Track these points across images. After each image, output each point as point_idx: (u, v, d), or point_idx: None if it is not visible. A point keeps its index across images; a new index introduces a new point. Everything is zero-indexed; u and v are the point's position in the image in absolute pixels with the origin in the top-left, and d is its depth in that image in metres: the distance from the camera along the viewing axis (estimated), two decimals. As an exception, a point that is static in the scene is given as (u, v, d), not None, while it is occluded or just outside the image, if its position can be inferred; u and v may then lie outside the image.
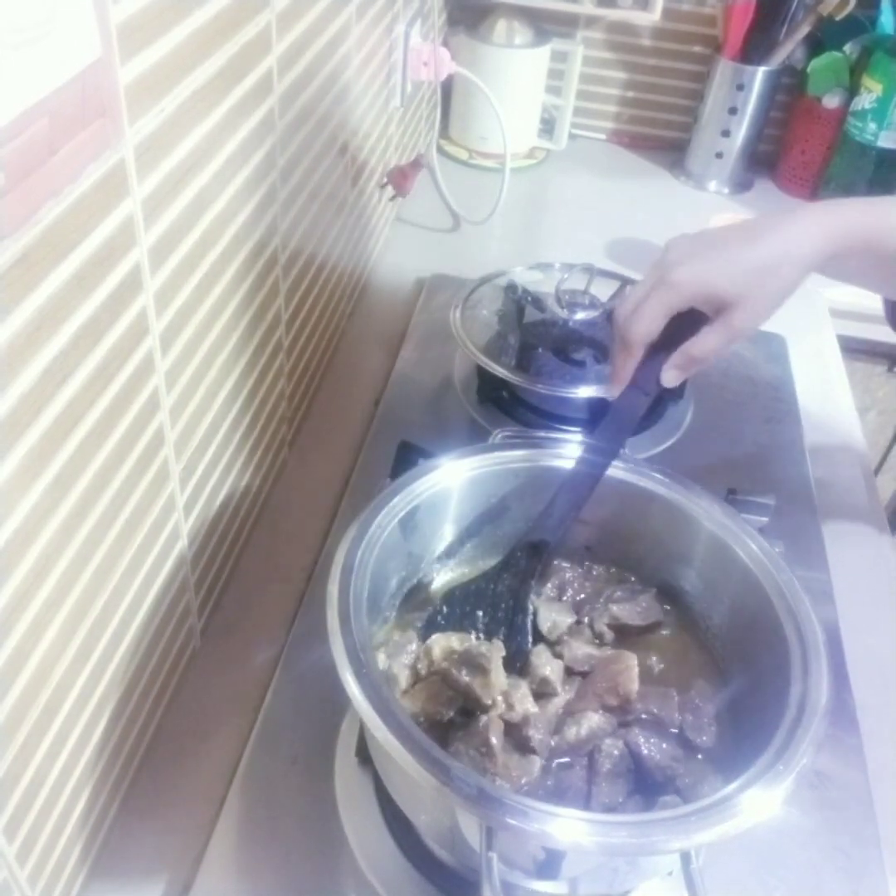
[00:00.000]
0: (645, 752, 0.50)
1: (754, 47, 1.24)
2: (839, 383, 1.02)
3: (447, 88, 1.30)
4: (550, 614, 0.58)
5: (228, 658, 0.68)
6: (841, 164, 1.26)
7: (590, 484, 0.55)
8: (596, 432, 0.57)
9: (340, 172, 0.86)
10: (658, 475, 0.59)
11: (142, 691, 0.58)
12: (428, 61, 1.05)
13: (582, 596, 0.61)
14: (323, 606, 0.48)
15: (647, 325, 0.54)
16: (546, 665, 0.55)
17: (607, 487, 0.58)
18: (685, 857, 0.43)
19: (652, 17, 1.19)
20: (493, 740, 0.49)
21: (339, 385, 0.94)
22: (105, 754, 0.54)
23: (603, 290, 0.97)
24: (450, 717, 0.52)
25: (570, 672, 0.55)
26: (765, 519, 0.69)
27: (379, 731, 0.42)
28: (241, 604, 0.72)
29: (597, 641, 0.58)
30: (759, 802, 0.41)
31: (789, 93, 1.32)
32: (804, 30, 1.21)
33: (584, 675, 0.55)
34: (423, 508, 0.56)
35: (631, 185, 1.36)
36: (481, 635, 0.57)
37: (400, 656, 0.54)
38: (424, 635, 0.57)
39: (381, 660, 0.53)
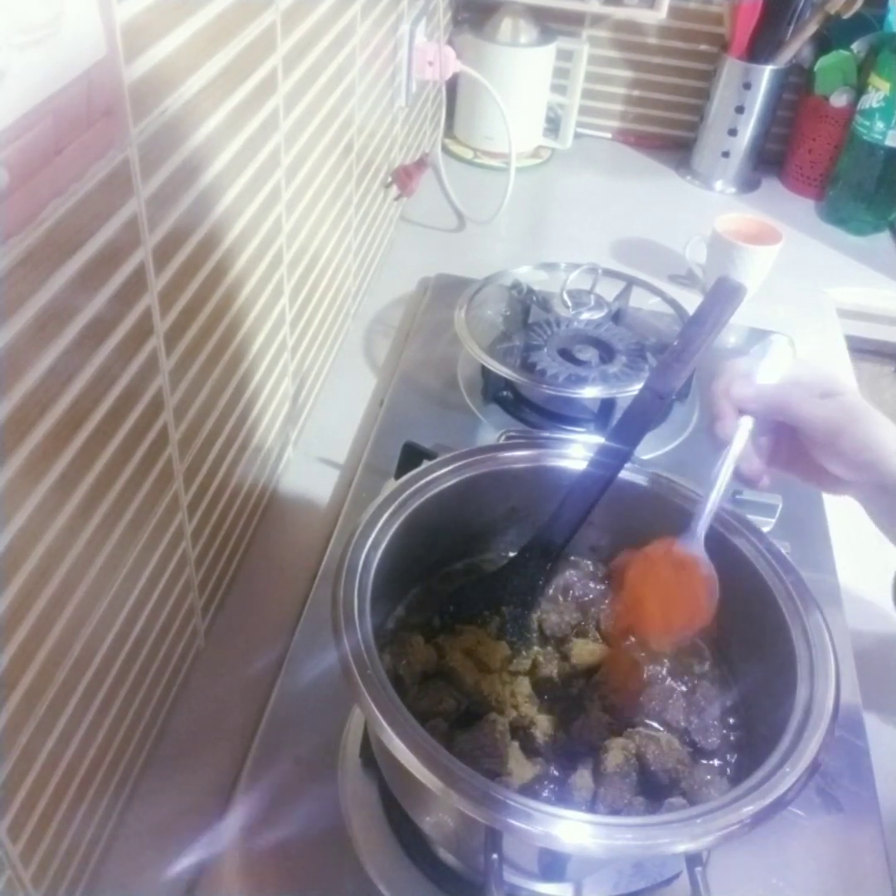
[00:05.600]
0: (650, 754, 0.50)
1: (761, 46, 1.24)
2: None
3: (452, 87, 1.30)
4: (556, 615, 0.58)
5: (233, 659, 0.68)
6: (848, 164, 1.26)
7: (601, 486, 0.55)
8: (608, 434, 0.56)
9: (345, 172, 0.86)
10: (664, 476, 0.59)
11: (146, 692, 0.58)
12: (433, 60, 1.05)
13: (588, 596, 0.61)
14: (327, 607, 0.48)
15: (751, 402, 0.51)
16: (552, 666, 0.55)
17: (612, 488, 0.57)
18: (691, 860, 0.42)
19: (658, 15, 1.18)
20: (499, 742, 0.49)
21: (343, 384, 0.94)
22: (109, 755, 0.54)
23: (608, 290, 0.97)
24: (455, 718, 0.52)
25: (575, 673, 0.55)
26: (772, 519, 0.69)
27: (383, 732, 0.42)
28: (246, 604, 0.72)
29: (602, 642, 0.58)
30: (765, 805, 0.41)
31: (796, 91, 1.32)
32: (811, 28, 1.20)
33: (589, 676, 0.55)
34: (428, 509, 0.56)
35: (636, 184, 1.35)
36: (488, 636, 0.57)
37: (405, 657, 0.54)
38: (430, 636, 0.56)
39: (387, 660, 0.53)
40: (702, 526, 0.51)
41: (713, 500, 0.51)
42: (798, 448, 0.51)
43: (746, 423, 0.51)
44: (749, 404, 0.51)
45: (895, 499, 0.48)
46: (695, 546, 0.51)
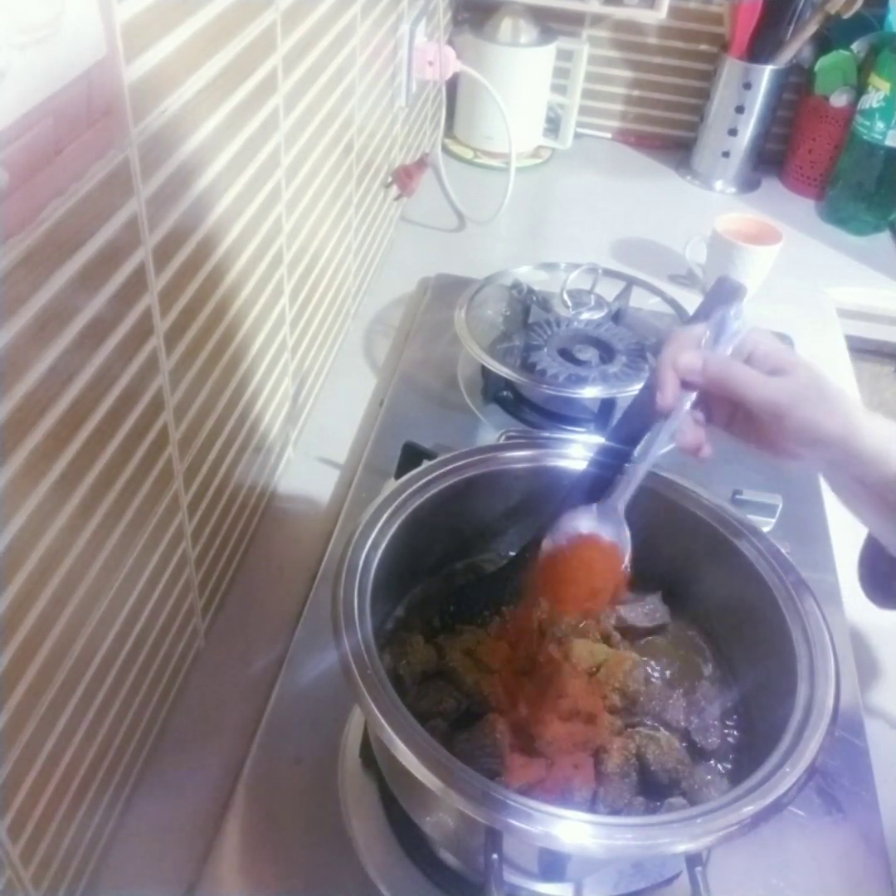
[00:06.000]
0: (650, 754, 0.50)
1: (761, 46, 1.24)
2: (847, 383, 1.01)
3: (452, 87, 1.30)
4: (556, 615, 0.58)
5: (233, 658, 0.68)
6: (849, 164, 1.26)
7: (601, 486, 0.55)
8: (608, 435, 0.56)
9: (345, 172, 0.86)
10: (664, 476, 0.59)
11: (146, 692, 0.58)
12: (433, 60, 1.05)
13: (587, 597, 0.61)
14: (327, 607, 0.48)
15: (694, 372, 0.50)
16: (552, 666, 0.55)
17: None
18: (691, 860, 0.42)
19: (658, 15, 1.18)
20: (499, 741, 0.49)
21: (343, 384, 0.94)
22: (109, 755, 0.54)
23: (608, 290, 0.97)
24: (455, 718, 0.52)
25: (575, 673, 0.55)
26: (772, 519, 0.69)
27: (383, 732, 0.42)
28: (246, 604, 0.72)
29: (603, 643, 0.58)
30: (765, 805, 0.41)
31: (796, 91, 1.32)
32: (811, 28, 1.20)
33: (590, 676, 0.55)
34: (428, 509, 0.56)
35: (637, 184, 1.35)
36: (488, 635, 0.57)
37: (405, 657, 0.54)
38: (430, 636, 0.56)
39: (387, 660, 0.53)
40: (621, 498, 0.51)
41: (640, 472, 0.51)
42: (753, 420, 0.50)
43: (687, 398, 0.50)
44: (694, 377, 0.49)
45: (846, 475, 0.48)
46: (611, 516, 0.51)
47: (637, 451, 0.52)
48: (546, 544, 0.53)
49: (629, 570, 0.51)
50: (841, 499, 0.51)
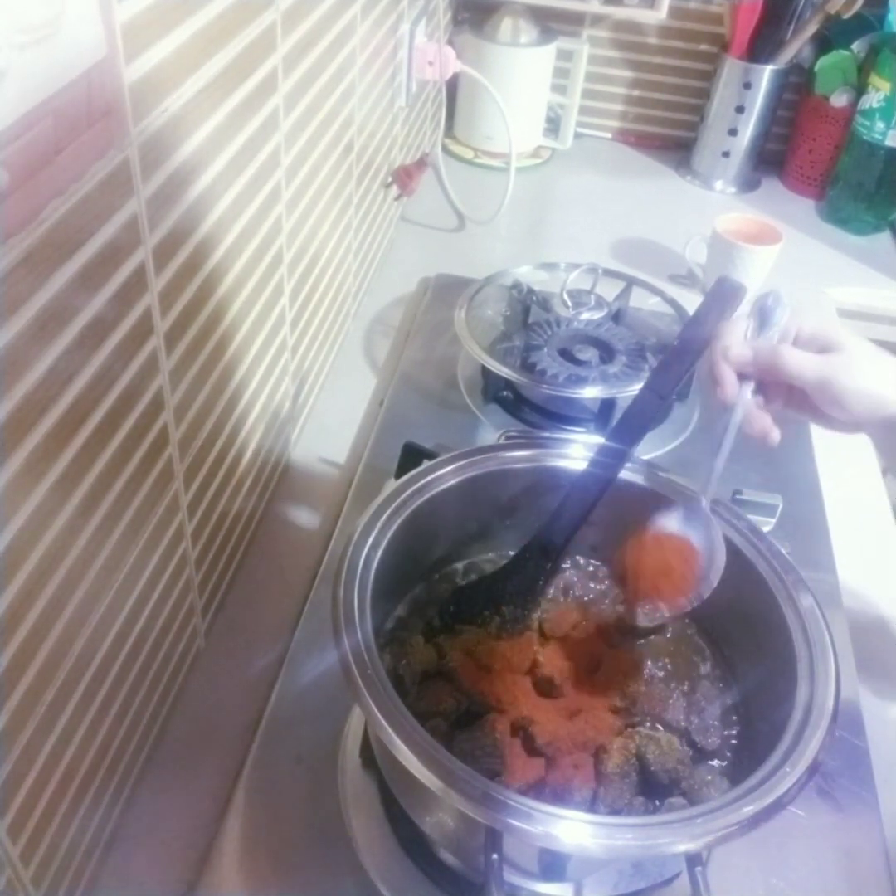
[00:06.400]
0: (650, 754, 0.50)
1: (761, 46, 1.24)
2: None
3: (452, 87, 1.30)
4: (557, 614, 0.58)
5: (233, 658, 0.68)
6: (849, 164, 1.26)
7: (601, 486, 0.55)
8: (608, 434, 0.56)
9: (345, 172, 0.86)
10: (664, 476, 0.59)
11: (146, 692, 0.58)
12: (433, 60, 1.05)
13: (588, 596, 0.61)
14: (327, 607, 0.48)
15: (746, 363, 0.52)
16: (552, 665, 0.55)
17: (613, 487, 0.57)
18: (691, 860, 0.42)
19: (658, 15, 1.18)
20: (499, 741, 0.49)
21: (344, 384, 0.94)
22: (109, 755, 0.54)
23: (608, 290, 0.97)
24: (455, 718, 0.52)
25: (576, 673, 0.55)
26: (772, 519, 0.69)
27: (383, 732, 0.42)
28: (246, 604, 0.72)
29: (603, 642, 0.58)
30: (765, 805, 0.41)
31: (797, 91, 1.32)
32: (811, 28, 1.20)
33: (590, 676, 0.55)
34: (428, 509, 0.56)
35: (637, 184, 1.35)
36: (488, 636, 0.57)
37: (405, 657, 0.54)
38: (430, 636, 0.56)
39: (387, 660, 0.53)
40: (709, 493, 0.53)
41: (719, 467, 0.52)
42: (809, 396, 0.52)
43: (747, 388, 0.52)
44: (747, 368, 0.52)
45: None
46: (700, 513, 0.52)
47: (718, 452, 0.52)
48: (632, 542, 0.53)
49: (721, 571, 0.50)
50: (890, 463, 0.53)
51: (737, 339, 0.52)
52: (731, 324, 0.53)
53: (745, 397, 0.52)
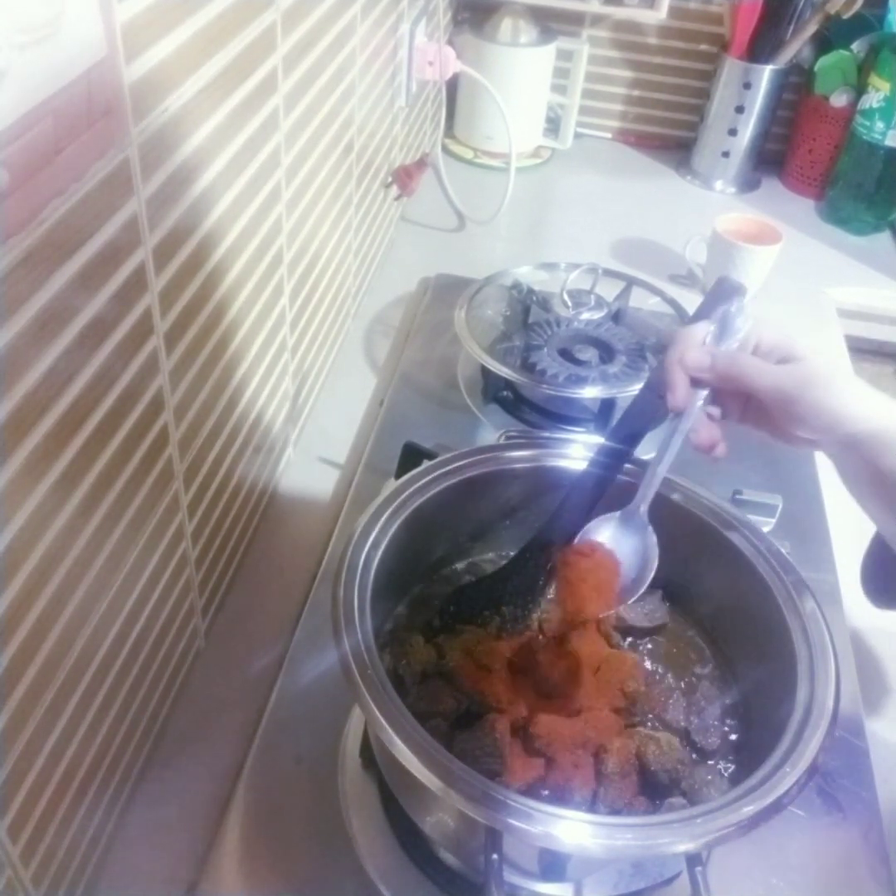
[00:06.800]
0: (650, 754, 0.50)
1: (761, 46, 1.24)
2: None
3: (452, 87, 1.30)
4: (556, 615, 0.58)
5: (233, 658, 0.68)
6: (848, 164, 1.26)
7: (601, 486, 0.55)
8: (608, 434, 0.56)
9: (345, 172, 0.86)
10: (664, 476, 0.59)
11: (146, 692, 0.58)
12: (433, 60, 1.05)
13: (587, 597, 0.61)
14: (327, 607, 0.48)
15: (703, 370, 0.50)
16: (552, 666, 0.55)
17: (613, 488, 0.57)
18: (691, 860, 0.42)
19: (658, 15, 1.18)
20: (499, 741, 0.49)
21: (344, 384, 0.94)
22: (109, 755, 0.54)
23: (608, 290, 0.97)
24: (455, 718, 0.52)
25: (576, 673, 0.55)
26: (772, 519, 0.69)
27: (383, 732, 0.42)
28: (246, 604, 0.72)
29: (603, 642, 0.58)
30: (765, 805, 0.41)
31: (796, 91, 1.32)
32: (811, 28, 1.20)
33: (590, 676, 0.55)
34: (428, 509, 0.56)
35: (637, 184, 1.35)
36: (488, 636, 0.57)
37: (405, 657, 0.54)
38: (430, 636, 0.56)
39: (387, 660, 0.53)
40: (643, 499, 0.52)
41: (659, 473, 0.51)
42: (765, 410, 0.50)
43: (699, 395, 0.50)
44: (703, 374, 0.50)
45: (859, 456, 0.48)
46: (634, 521, 0.52)
47: (660, 459, 0.51)
48: (565, 551, 0.53)
49: (654, 572, 0.51)
50: (850, 489, 0.51)
51: (695, 344, 0.51)
52: (689, 328, 0.52)
53: (695, 405, 0.50)
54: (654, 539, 0.52)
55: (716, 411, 0.52)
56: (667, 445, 0.51)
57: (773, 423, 0.50)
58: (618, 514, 0.53)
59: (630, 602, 0.52)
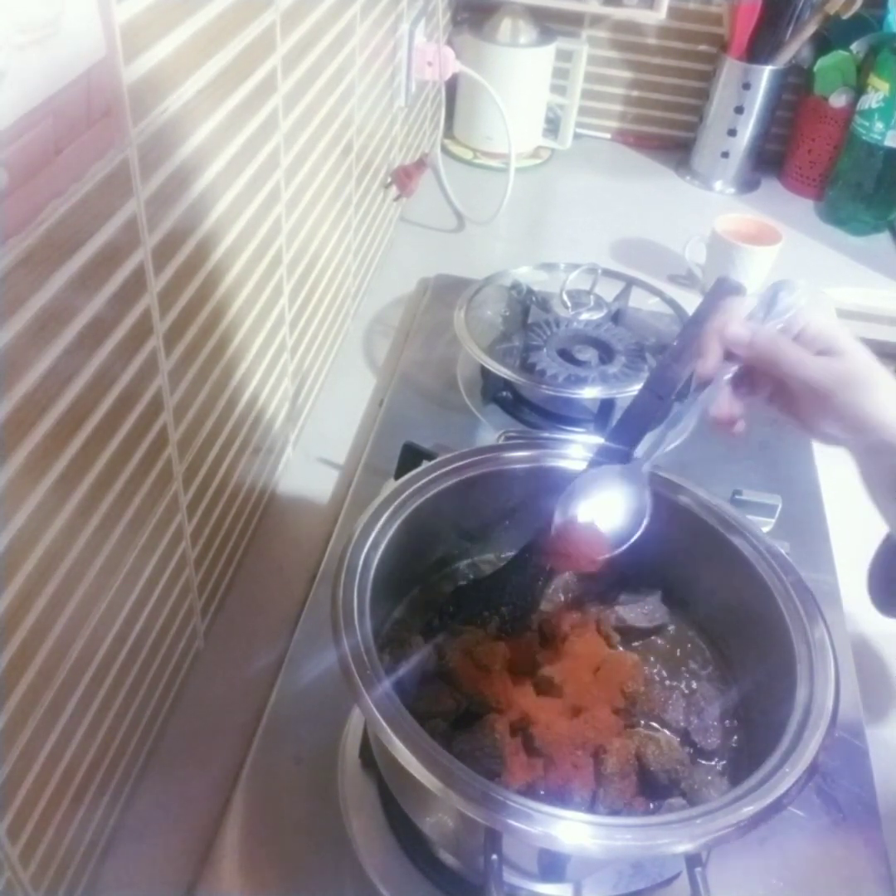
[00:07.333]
0: (650, 754, 0.50)
1: (761, 46, 1.24)
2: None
3: (452, 88, 1.30)
4: (556, 615, 0.58)
5: (232, 659, 0.68)
6: (848, 164, 1.26)
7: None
8: (608, 435, 0.56)
9: (344, 172, 0.86)
10: (663, 475, 0.59)
11: (145, 692, 0.58)
12: (432, 61, 1.05)
13: (588, 598, 0.61)
14: (327, 607, 0.48)
15: (745, 345, 0.49)
16: (551, 666, 0.55)
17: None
18: (691, 860, 0.42)
19: (658, 15, 1.18)
20: (499, 742, 0.49)
21: (343, 385, 0.94)
22: (109, 755, 0.54)
23: (608, 291, 0.97)
24: (455, 718, 0.52)
25: (575, 673, 0.55)
26: (771, 519, 0.69)
27: (383, 732, 0.42)
28: (245, 605, 0.72)
29: (603, 643, 0.58)
30: (765, 806, 0.41)
31: (796, 92, 1.32)
32: (811, 29, 1.20)
33: (590, 676, 0.55)
34: (427, 510, 0.56)
35: (636, 184, 1.35)
36: (488, 636, 0.57)
37: (405, 657, 0.54)
38: (430, 636, 0.56)
39: (386, 660, 0.53)
40: (647, 458, 0.52)
41: (668, 438, 0.51)
42: (796, 398, 0.49)
43: (730, 368, 0.49)
44: (740, 349, 0.49)
45: (886, 463, 0.47)
46: (634, 479, 0.52)
47: (674, 423, 0.51)
48: (558, 514, 0.53)
49: (645, 529, 0.51)
50: (871, 492, 0.50)
51: (737, 317, 0.50)
52: (735, 301, 0.51)
53: (723, 378, 0.49)
54: (648, 498, 0.52)
55: (743, 389, 0.50)
56: (684, 410, 0.50)
57: (801, 413, 0.49)
58: (619, 467, 0.53)
59: (619, 550, 0.52)
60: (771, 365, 0.48)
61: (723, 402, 0.50)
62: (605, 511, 0.52)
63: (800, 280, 0.51)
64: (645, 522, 0.51)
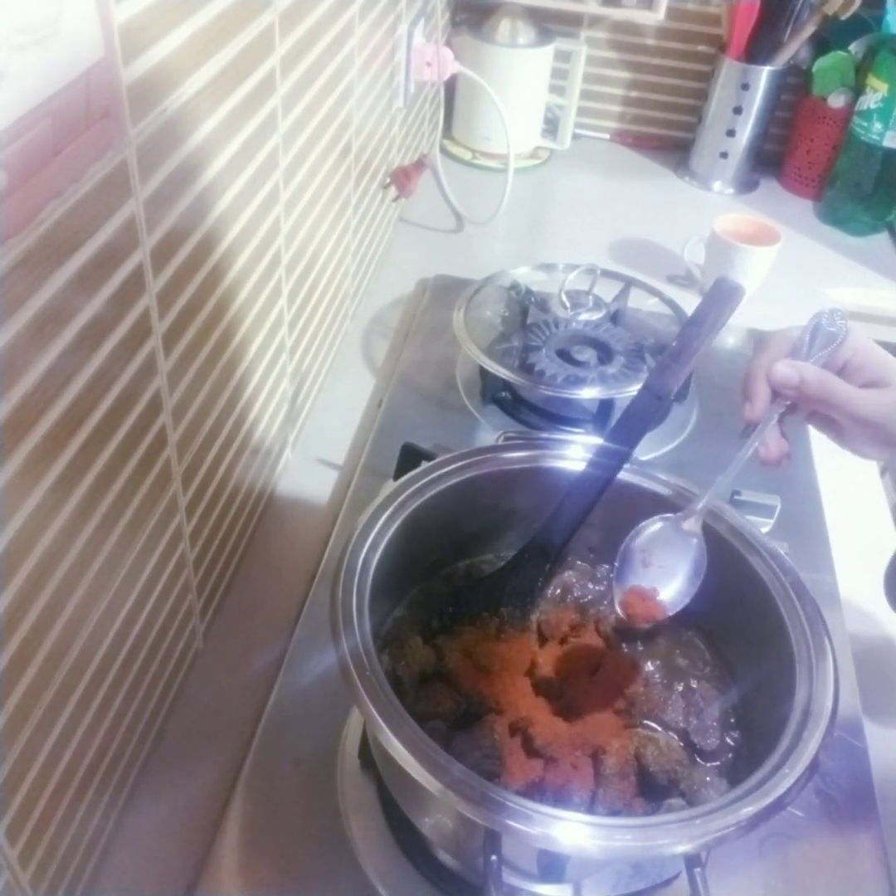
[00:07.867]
0: (649, 755, 0.50)
1: (759, 47, 1.24)
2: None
3: (450, 88, 1.30)
4: (555, 615, 0.58)
5: (231, 660, 0.68)
6: (846, 164, 1.26)
7: (599, 487, 0.55)
8: (607, 436, 0.56)
9: (343, 173, 0.86)
10: (662, 476, 0.59)
11: (145, 693, 0.58)
12: (431, 61, 1.05)
13: (587, 598, 0.61)
14: (326, 608, 0.48)
15: (794, 383, 0.48)
16: (551, 667, 0.55)
17: (611, 489, 0.57)
18: (690, 861, 0.42)
19: (656, 16, 1.18)
20: (498, 742, 0.49)
21: (342, 385, 0.94)
22: (108, 756, 0.54)
23: (607, 291, 0.97)
24: (454, 719, 0.52)
25: (574, 674, 0.55)
26: (770, 520, 0.69)
27: (382, 733, 0.42)
28: (244, 606, 0.72)
29: (602, 643, 0.58)
30: (764, 806, 0.41)
31: (794, 92, 1.32)
32: (809, 29, 1.20)
33: (589, 677, 0.55)
34: (427, 510, 0.56)
35: (635, 185, 1.35)
36: (487, 636, 0.57)
37: (404, 658, 0.54)
38: (429, 637, 0.56)
39: (385, 661, 0.53)
40: (700, 514, 0.52)
41: (719, 487, 0.51)
42: (837, 421, 0.49)
43: (778, 409, 0.49)
44: (789, 392, 0.48)
45: None
46: (689, 524, 0.52)
47: (728, 471, 0.50)
48: (617, 581, 0.52)
49: (694, 592, 0.50)
50: None
51: (783, 353, 0.49)
52: (777, 336, 0.50)
53: (772, 419, 0.49)
54: (704, 555, 0.51)
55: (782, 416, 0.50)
56: (738, 456, 0.49)
57: (844, 436, 0.50)
58: (670, 523, 0.52)
59: (674, 612, 0.51)
60: (821, 405, 0.48)
61: (771, 442, 0.50)
62: (663, 575, 0.52)
63: (837, 309, 0.51)
64: (700, 579, 0.51)
